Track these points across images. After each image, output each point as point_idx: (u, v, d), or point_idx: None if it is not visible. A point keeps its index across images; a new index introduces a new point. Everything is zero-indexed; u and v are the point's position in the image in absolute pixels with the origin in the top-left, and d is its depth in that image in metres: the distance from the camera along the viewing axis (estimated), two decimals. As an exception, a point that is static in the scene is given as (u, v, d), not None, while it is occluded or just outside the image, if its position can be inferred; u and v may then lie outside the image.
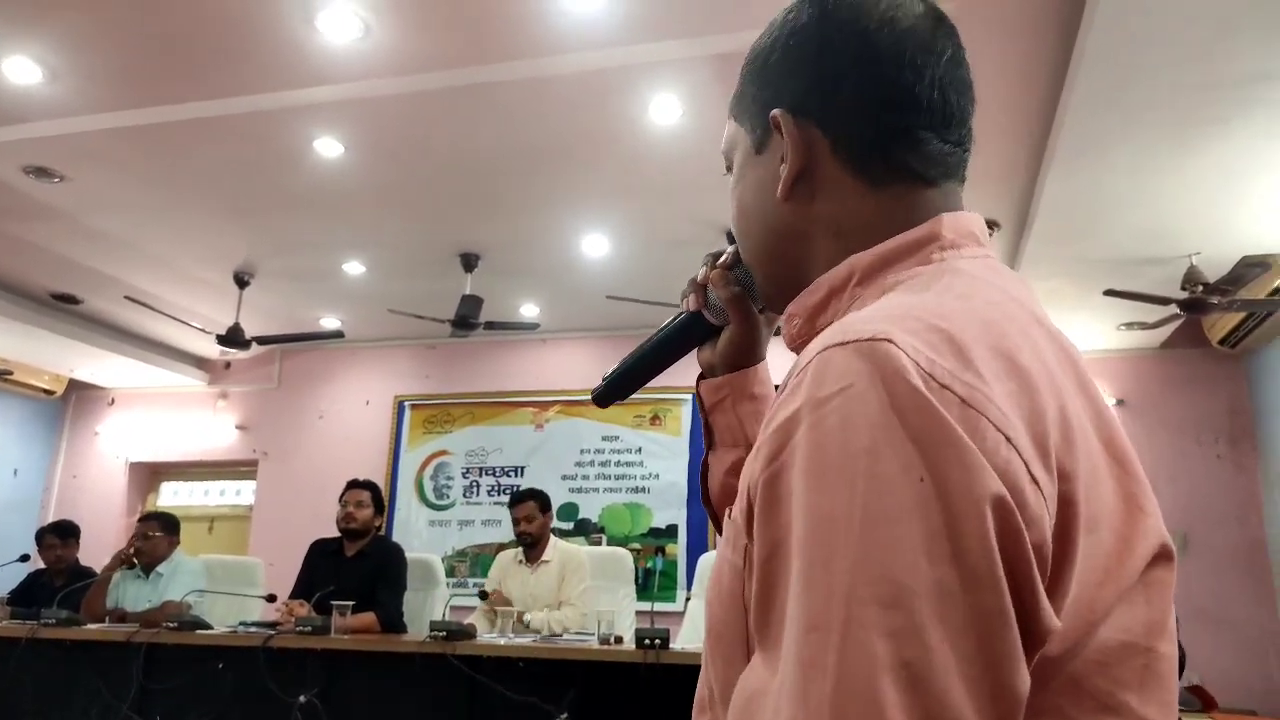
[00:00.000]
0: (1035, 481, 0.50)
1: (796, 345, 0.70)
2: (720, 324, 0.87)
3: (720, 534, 0.89)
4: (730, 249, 0.84)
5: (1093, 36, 3.10)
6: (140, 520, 4.66)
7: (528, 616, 4.10)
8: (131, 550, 4.48)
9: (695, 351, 0.91)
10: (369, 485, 4.46)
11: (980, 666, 0.46)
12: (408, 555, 4.43)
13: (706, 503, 0.92)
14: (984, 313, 0.57)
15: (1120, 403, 6.40)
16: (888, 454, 0.49)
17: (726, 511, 0.69)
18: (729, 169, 0.78)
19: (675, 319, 0.90)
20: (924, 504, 0.47)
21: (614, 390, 0.92)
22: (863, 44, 0.67)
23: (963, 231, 0.66)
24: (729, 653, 0.62)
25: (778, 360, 0.65)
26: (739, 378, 0.88)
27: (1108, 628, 0.55)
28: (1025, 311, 0.61)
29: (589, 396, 0.95)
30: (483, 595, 4.34)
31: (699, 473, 0.93)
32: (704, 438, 0.91)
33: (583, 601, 4.25)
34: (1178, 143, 3.73)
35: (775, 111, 0.70)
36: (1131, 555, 0.56)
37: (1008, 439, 0.50)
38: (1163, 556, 0.58)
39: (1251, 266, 4.77)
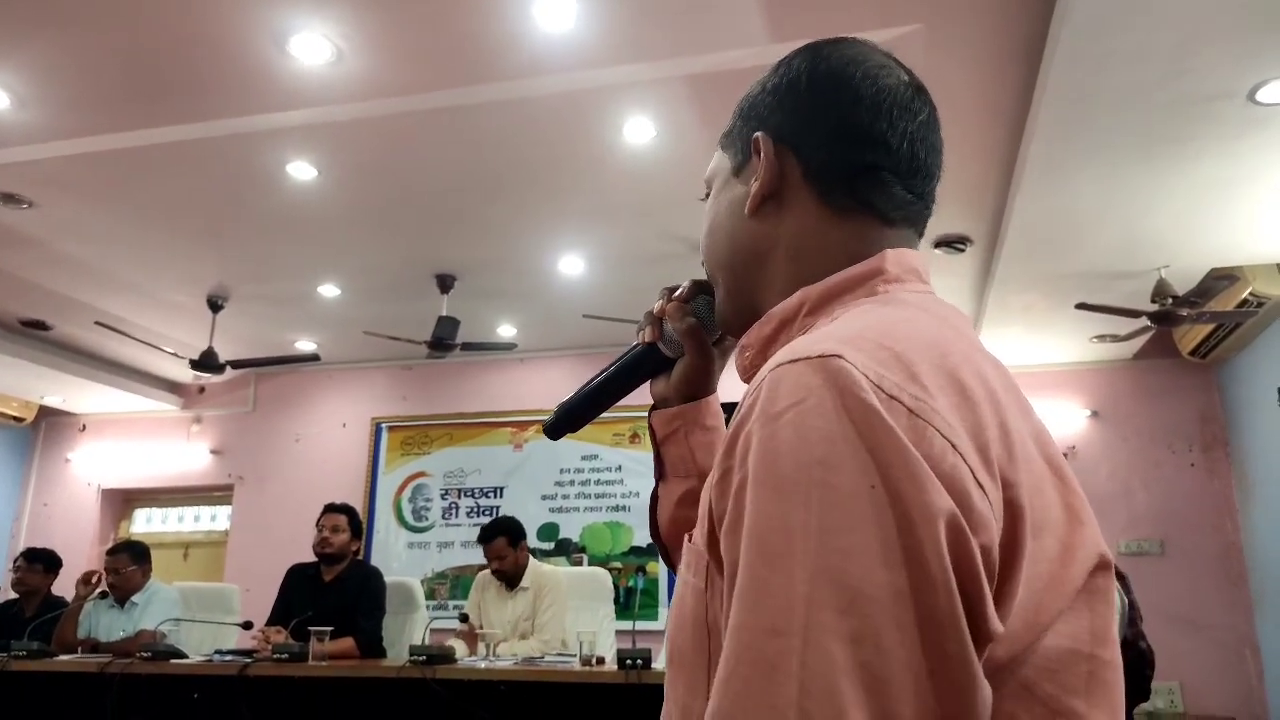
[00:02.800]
0: (980, 486, 0.53)
1: (749, 376, 0.72)
2: (675, 356, 0.89)
3: (670, 566, 0.90)
4: (685, 283, 0.87)
5: (1058, 57, 3.14)
6: (109, 554, 4.56)
7: (502, 649, 4.06)
8: (96, 579, 4.42)
9: (649, 383, 0.93)
10: (346, 509, 4.42)
11: (937, 667, 0.48)
12: (387, 578, 4.40)
13: (655, 535, 0.93)
14: (926, 335, 0.60)
15: (1094, 414, 6.47)
16: (842, 463, 0.50)
17: (686, 537, 0.70)
18: (708, 195, 0.82)
19: (630, 351, 0.91)
20: (878, 512, 0.49)
21: (565, 422, 0.92)
22: (846, 89, 0.73)
23: (906, 267, 0.70)
24: (691, 677, 0.64)
25: (730, 393, 0.66)
26: (692, 409, 0.90)
27: (1054, 635, 0.57)
28: (964, 339, 0.64)
29: (544, 431, 0.95)
30: (463, 618, 4.31)
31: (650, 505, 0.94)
32: (655, 469, 0.93)
33: (550, 628, 4.21)
34: (1144, 160, 3.79)
35: (757, 134, 0.74)
36: (1074, 562, 0.58)
37: (953, 446, 0.53)
38: (1102, 566, 0.61)
39: (1219, 279, 4.85)
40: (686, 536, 0.69)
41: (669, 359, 0.90)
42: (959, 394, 0.56)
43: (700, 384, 0.89)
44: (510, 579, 4.35)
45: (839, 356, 0.54)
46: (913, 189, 0.73)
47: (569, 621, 4.35)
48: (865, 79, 0.73)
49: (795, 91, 0.75)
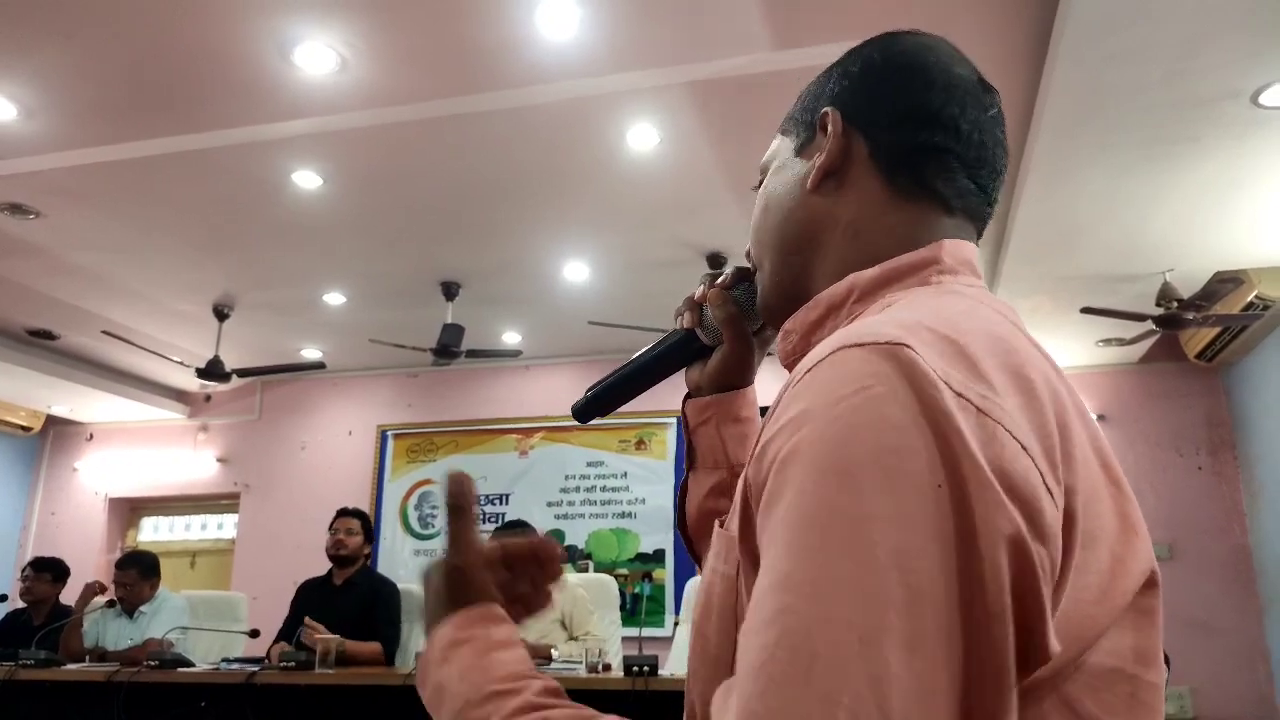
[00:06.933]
0: (1050, 493, 0.50)
1: (791, 361, 0.70)
2: (713, 344, 0.86)
3: (694, 559, 0.88)
4: (729, 269, 0.84)
5: (1061, 59, 3.15)
6: (117, 567, 4.57)
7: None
8: (100, 589, 4.44)
9: (683, 371, 0.90)
10: (359, 514, 4.45)
11: (980, 686, 0.46)
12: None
13: (681, 526, 0.90)
14: (989, 329, 0.57)
15: (1101, 418, 6.44)
16: (913, 457, 0.48)
17: (717, 523, 0.68)
18: (761, 182, 0.79)
19: (667, 337, 0.89)
20: (944, 515, 0.47)
21: (597, 405, 0.89)
22: (919, 73, 0.72)
23: (961, 259, 0.68)
24: (715, 670, 0.61)
25: (766, 384, 0.65)
26: (726, 399, 0.87)
27: (1098, 651, 0.54)
28: (1023, 335, 0.61)
29: (572, 413, 0.93)
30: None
31: (678, 495, 0.91)
32: (685, 458, 0.90)
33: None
34: (1149, 162, 3.79)
35: (826, 109, 0.73)
36: (1126, 575, 0.56)
37: (1024, 448, 0.50)
38: (1151, 584, 0.58)
39: (1224, 282, 4.84)
40: (718, 523, 0.67)
41: (706, 347, 0.87)
42: (1025, 393, 0.53)
43: (737, 374, 0.86)
44: None
45: (907, 346, 0.51)
46: (977, 179, 0.71)
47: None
48: (939, 66, 0.72)
49: (868, 73, 0.74)
